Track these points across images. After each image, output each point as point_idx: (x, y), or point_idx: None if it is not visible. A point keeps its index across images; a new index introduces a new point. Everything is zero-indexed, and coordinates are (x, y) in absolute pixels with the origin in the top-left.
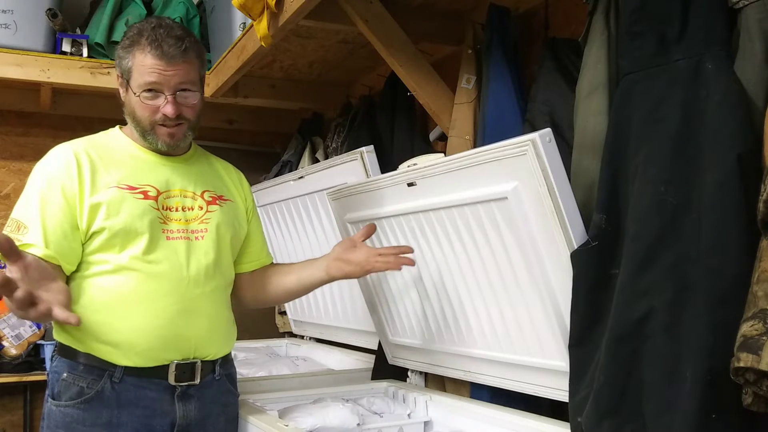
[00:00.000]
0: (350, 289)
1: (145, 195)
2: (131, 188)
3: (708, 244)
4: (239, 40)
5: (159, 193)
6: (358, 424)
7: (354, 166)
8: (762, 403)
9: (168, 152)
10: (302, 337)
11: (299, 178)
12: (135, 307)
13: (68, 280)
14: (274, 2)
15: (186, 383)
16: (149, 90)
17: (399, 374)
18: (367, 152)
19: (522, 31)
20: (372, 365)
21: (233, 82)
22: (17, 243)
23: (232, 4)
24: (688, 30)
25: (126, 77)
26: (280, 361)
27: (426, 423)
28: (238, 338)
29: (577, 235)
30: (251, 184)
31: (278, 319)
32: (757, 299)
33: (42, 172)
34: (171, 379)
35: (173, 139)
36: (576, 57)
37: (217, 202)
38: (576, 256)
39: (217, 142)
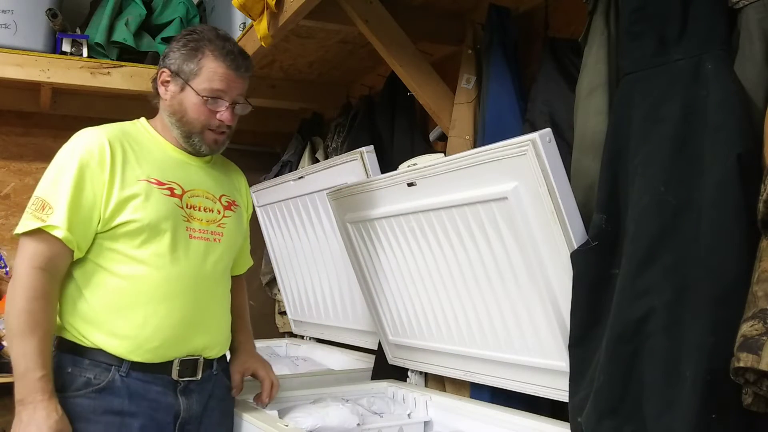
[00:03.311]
0: (350, 289)
1: (172, 192)
2: (159, 183)
3: (708, 244)
4: (239, 40)
5: (184, 191)
6: (358, 424)
7: (354, 166)
8: (762, 403)
9: (195, 153)
10: (302, 337)
11: (299, 178)
12: (153, 303)
13: (81, 264)
14: (274, 2)
15: (188, 378)
16: (214, 96)
17: (399, 374)
18: (367, 152)
19: (522, 31)
20: (372, 365)
21: None
22: (40, 223)
23: (232, 4)
24: (688, 30)
25: (184, 77)
26: (280, 361)
27: (426, 423)
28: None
29: (577, 235)
30: (251, 184)
31: (278, 319)
32: (757, 299)
33: (74, 154)
34: (174, 375)
35: (217, 145)
36: (576, 57)
37: (232, 207)
38: (576, 256)
39: None
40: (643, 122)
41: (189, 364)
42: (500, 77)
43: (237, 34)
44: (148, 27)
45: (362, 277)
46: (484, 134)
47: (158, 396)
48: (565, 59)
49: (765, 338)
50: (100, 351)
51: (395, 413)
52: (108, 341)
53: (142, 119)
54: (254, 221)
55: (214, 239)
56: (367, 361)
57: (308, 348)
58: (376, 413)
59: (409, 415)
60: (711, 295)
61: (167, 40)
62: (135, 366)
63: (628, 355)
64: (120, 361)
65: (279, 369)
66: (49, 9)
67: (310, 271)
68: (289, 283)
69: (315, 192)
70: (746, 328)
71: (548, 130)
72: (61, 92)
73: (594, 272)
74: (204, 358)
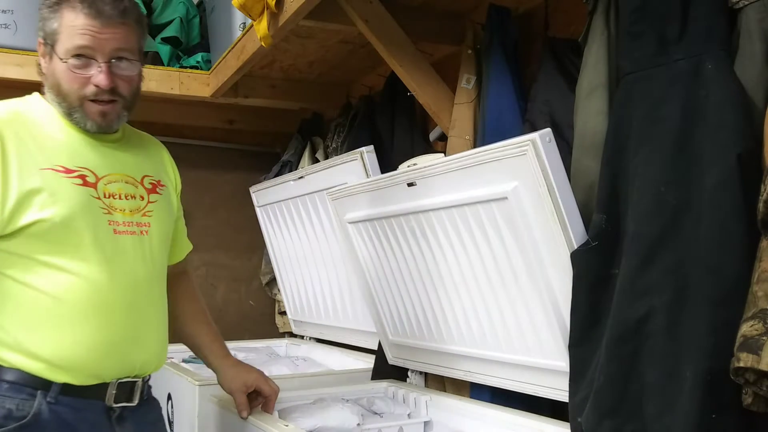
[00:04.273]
0: (350, 289)
1: (84, 180)
2: (67, 171)
3: (708, 244)
4: (239, 40)
5: (98, 178)
6: (358, 424)
7: (354, 166)
8: (762, 403)
9: (101, 131)
10: (302, 337)
11: (299, 178)
12: (82, 318)
13: None
14: (274, 2)
15: (123, 404)
16: (79, 56)
17: (399, 374)
18: (367, 152)
19: (522, 31)
20: (372, 365)
21: (233, 82)
22: None
23: (232, 4)
24: (688, 30)
25: (50, 42)
26: (280, 361)
27: (426, 423)
28: (239, 338)
29: (577, 235)
30: (251, 184)
31: (278, 319)
32: (757, 299)
33: None
34: (109, 400)
35: (105, 119)
36: (576, 57)
37: (157, 189)
38: (576, 256)
39: (217, 142)
40: (643, 122)
41: (126, 388)
42: (500, 77)
43: (237, 34)
44: (148, 27)
45: (362, 277)
46: (484, 134)
47: (92, 427)
48: (565, 59)
49: (765, 338)
50: (21, 372)
51: (395, 413)
52: (29, 363)
53: (36, 95)
54: (254, 221)
55: (141, 232)
56: (367, 361)
57: (308, 348)
58: (376, 413)
59: (409, 415)
60: (711, 295)
61: (167, 40)
62: (66, 390)
63: (628, 355)
64: (46, 384)
65: (279, 369)
66: None
67: (310, 271)
68: (289, 283)
69: (315, 192)
70: (746, 328)
71: (548, 130)
72: None
73: (594, 272)
74: (141, 381)
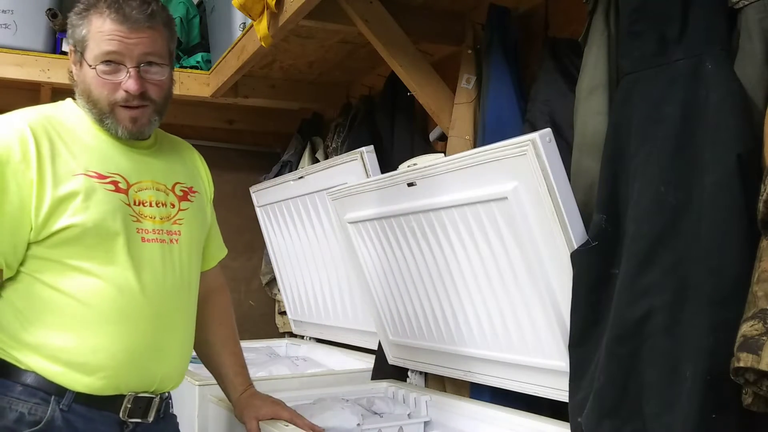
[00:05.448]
0: (350, 289)
1: (116, 186)
2: (100, 176)
3: (708, 244)
4: (239, 40)
5: (129, 185)
6: (358, 424)
7: (354, 166)
8: (762, 403)
9: (132, 137)
10: (302, 337)
11: (299, 178)
12: (106, 324)
13: (13, 276)
14: (274, 2)
15: (137, 420)
16: (108, 62)
17: (399, 374)
18: (367, 152)
19: (522, 31)
20: (372, 365)
21: (233, 82)
22: None
23: (232, 4)
24: (688, 30)
25: (80, 49)
26: (280, 361)
27: (426, 423)
28: (239, 338)
29: (577, 235)
30: (251, 184)
31: (278, 319)
32: (757, 299)
33: None
34: (122, 414)
35: (135, 125)
36: (576, 57)
37: (189, 196)
38: (576, 256)
39: (217, 142)
40: (643, 122)
41: (142, 403)
42: (500, 77)
43: (237, 34)
44: None
45: (362, 277)
46: (484, 134)
47: None
48: (565, 59)
49: (765, 338)
50: (37, 376)
51: (395, 413)
52: (48, 367)
53: (69, 100)
54: (254, 221)
55: (171, 240)
56: (367, 361)
57: (308, 348)
58: (376, 413)
59: (409, 415)
60: (711, 295)
61: None
62: (79, 398)
63: (628, 356)
64: (61, 390)
65: (279, 369)
66: (49, 9)
67: (310, 271)
68: (289, 283)
69: (315, 192)
70: (746, 328)
71: (548, 130)
72: (61, 92)
73: (594, 272)
74: (159, 397)
